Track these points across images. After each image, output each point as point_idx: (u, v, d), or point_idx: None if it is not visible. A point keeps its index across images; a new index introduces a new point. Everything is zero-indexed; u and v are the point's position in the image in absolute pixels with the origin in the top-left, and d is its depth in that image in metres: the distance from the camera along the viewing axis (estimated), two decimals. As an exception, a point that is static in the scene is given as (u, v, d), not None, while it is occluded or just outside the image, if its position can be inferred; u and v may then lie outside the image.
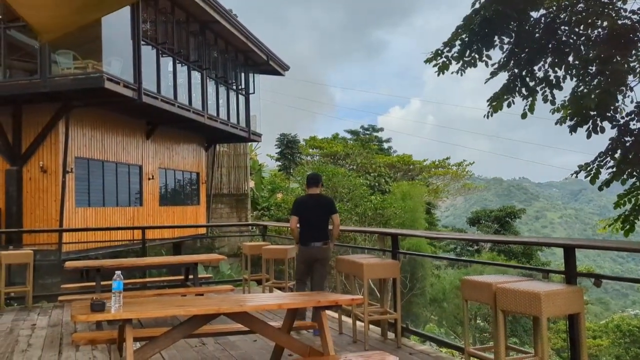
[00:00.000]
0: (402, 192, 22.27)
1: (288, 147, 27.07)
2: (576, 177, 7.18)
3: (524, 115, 7.40)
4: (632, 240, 8.16)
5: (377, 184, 27.35)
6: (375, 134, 34.96)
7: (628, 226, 7.13)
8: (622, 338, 24.89)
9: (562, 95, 7.26)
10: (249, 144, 22.99)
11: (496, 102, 7.20)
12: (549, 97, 7.27)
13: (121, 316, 3.39)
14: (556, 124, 7.44)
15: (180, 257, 7.53)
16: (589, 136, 6.69)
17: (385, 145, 34.74)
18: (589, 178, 6.92)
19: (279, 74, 21.39)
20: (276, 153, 28.15)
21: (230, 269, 19.28)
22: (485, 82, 7.44)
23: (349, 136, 34.59)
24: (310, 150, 30.28)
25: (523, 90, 7.22)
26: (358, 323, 5.85)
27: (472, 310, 21.78)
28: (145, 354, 3.79)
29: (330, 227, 6.37)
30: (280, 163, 28.05)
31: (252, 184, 24.20)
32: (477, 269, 21.93)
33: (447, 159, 35.41)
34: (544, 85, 7.22)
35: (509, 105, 7.30)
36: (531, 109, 7.33)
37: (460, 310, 20.58)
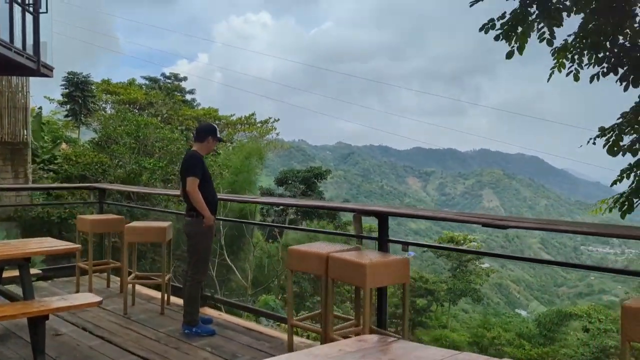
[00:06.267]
0: (246, 151, 19.82)
1: (79, 89, 22.21)
2: (594, 143, 6.09)
3: (509, 55, 6.08)
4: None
5: (185, 139, 24.44)
6: (178, 82, 31.43)
7: (627, 206, 6.30)
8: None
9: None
10: (29, 79, 18.03)
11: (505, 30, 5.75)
12: (546, 35, 5.97)
13: None
14: (567, 75, 6.25)
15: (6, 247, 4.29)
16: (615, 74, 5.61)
17: (189, 97, 31.59)
18: (605, 148, 5.82)
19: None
20: (62, 95, 22.95)
21: (7, 237, 14.87)
22: (471, 6, 5.99)
23: (147, 83, 30.45)
24: (104, 95, 25.67)
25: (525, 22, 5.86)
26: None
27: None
28: None
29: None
30: (67, 107, 23.03)
31: (29, 131, 19.28)
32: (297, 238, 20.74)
33: (253, 114, 34.12)
34: (539, 20, 5.92)
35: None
36: (521, 48, 6.05)
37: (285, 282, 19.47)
